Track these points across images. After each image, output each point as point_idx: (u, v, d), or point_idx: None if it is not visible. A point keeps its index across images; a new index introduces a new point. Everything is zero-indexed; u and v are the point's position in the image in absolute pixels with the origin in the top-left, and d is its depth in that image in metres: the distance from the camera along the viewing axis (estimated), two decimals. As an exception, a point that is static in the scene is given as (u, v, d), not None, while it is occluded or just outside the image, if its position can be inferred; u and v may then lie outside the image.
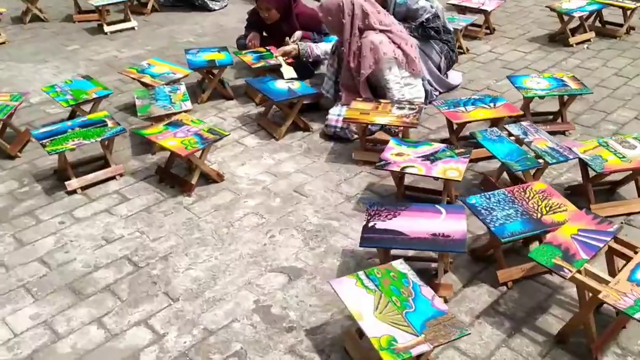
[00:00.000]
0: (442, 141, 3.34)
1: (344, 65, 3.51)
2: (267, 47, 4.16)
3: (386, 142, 3.34)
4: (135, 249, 2.62)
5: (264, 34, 4.48)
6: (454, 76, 4.08)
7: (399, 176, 2.76)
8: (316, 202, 2.93)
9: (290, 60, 3.96)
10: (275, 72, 3.99)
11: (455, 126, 3.21)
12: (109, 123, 3.14)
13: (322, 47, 3.90)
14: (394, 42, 3.38)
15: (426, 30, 3.77)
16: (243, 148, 3.44)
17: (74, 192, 3.02)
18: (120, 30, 5.55)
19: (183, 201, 2.96)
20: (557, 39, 4.87)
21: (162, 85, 3.59)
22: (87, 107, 3.61)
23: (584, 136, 3.44)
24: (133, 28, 5.61)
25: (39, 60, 4.89)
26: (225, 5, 6.27)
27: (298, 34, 4.16)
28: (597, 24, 5.05)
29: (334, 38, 4.34)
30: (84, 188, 3.05)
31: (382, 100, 3.30)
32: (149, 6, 6.05)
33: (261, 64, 3.91)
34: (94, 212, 2.89)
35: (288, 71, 3.84)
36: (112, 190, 3.07)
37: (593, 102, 3.79)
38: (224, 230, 2.74)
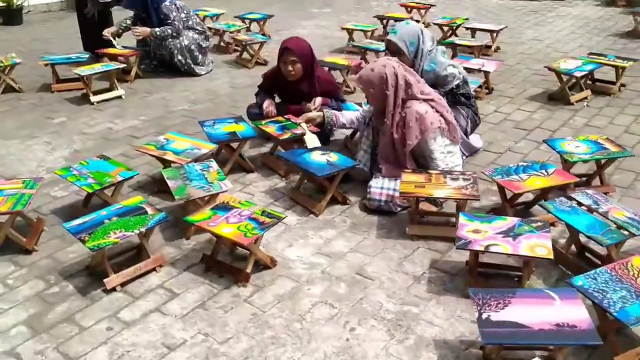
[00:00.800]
0: (491, 210, 3.28)
1: (383, 137, 3.39)
2: (286, 116, 4.02)
3: (432, 213, 3.26)
4: (206, 356, 2.33)
5: (277, 99, 4.34)
6: (474, 139, 4.05)
7: (475, 254, 2.63)
8: (384, 285, 2.74)
9: (313, 129, 3.81)
10: (299, 141, 3.84)
11: (508, 195, 3.13)
12: (149, 210, 2.87)
13: (347, 116, 3.79)
14: (437, 111, 3.31)
15: (456, 97, 3.74)
16: (284, 227, 3.22)
17: (113, 289, 2.71)
18: (107, 100, 5.27)
19: (240, 293, 2.70)
20: (556, 98, 4.98)
21: (191, 162, 3.35)
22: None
23: (625, 198, 3.44)
24: (120, 97, 5.34)
25: (25, 136, 4.53)
26: (211, 70, 6.11)
27: (318, 100, 4.04)
28: (588, 81, 5.21)
29: (352, 106, 4.28)
30: (123, 284, 2.74)
31: (431, 171, 3.20)
32: (133, 73, 5.80)
33: (287, 135, 3.75)
34: (143, 313, 2.58)
35: (312, 140, 3.68)
36: (155, 284, 2.77)
37: (618, 162, 3.83)
38: (296, 325, 2.49)
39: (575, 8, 8.81)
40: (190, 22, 5.85)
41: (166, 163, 3.55)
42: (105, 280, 2.70)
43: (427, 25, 7.79)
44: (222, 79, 5.90)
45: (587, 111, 4.76)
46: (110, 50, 5.83)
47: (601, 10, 8.63)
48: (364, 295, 2.67)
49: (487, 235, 2.58)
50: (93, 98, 5.19)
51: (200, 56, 5.96)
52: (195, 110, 5.03)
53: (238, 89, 5.59)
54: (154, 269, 2.85)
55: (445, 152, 3.34)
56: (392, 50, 3.80)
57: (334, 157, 3.42)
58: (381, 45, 5.92)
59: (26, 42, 7.59)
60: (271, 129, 3.84)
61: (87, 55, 5.72)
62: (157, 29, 5.65)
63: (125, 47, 6.00)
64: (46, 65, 5.50)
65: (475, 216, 2.77)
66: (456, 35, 6.85)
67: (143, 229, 2.73)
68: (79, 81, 5.50)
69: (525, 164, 3.26)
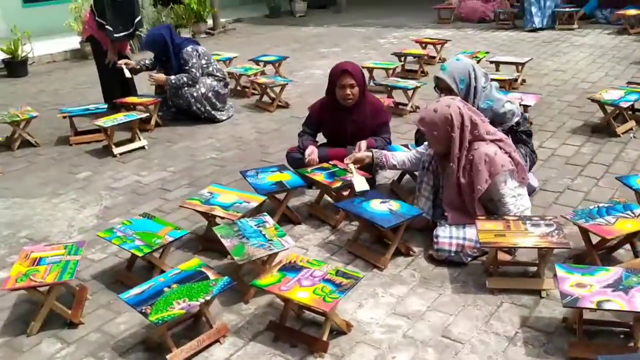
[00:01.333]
0: (571, 258, 3.04)
1: (447, 182, 3.17)
2: (332, 162, 3.79)
3: (508, 263, 3.02)
4: None
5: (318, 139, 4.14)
6: (531, 178, 3.83)
7: (580, 312, 2.37)
8: (477, 349, 2.46)
9: (362, 173, 3.58)
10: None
11: (594, 240, 2.90)
12: (210, 274, 2.60)
13: (399, 157, 3.56)
14: (505, 152, 3.09)
15: (517, 134, 3.53)
16: (350, 285, 2.96)
17: (176, 367, 2.42)
18: (130, 151, 5.04)
19: (318, 365, 2.42)
20: (600, 130, 4.81)
21: (243, 218, 3.10)
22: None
23: None
24: (143, 147, 5.11)
25: (50, 194, 4.27)
26: (232, 115, 5.90)
27: (364, 144, 3.81)
28: (629, 111, 5.04)
29: (398, 147, 4.06)
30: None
31: (508, 218, 2.97)
32: (152, 121, 5.58)
33: (338, 183, 3.51)
34: (215, 394, 2.30)
35: (360, 183, 3.43)
36: (222, 358, 2.49)
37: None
38: (391, 401, 2.22)
39: (587, 37, 8.75)
40: (210, 69, 5.66)
41: (210, 219, 3.31)
42: (167, 356, 2.41)
43: (442, 61, 7.69)
44: (244, 124, 5.69)
45: (636, 143, 4.57)
46: (129, 100, 5.63)
47: (614, 38, 8.56)
48: (458, 361, 2.40)
49: (595, 290, 2.32)
50: (116, 150, 4.96)
51: (218, 103, 5.74)
52: (224, 159, 4.80)
53: (264, 133, 5.38)
54: (217, 340, 2.57)
55: (516, 195, 3.11)
56: (442, 87, 3.61)
57: (395, 205, 3.19)
58: (408, 84, 5.77)
59: (34, 94, 7.38)
60: (319, 176, 3.60)
61: (105, 106, 5.50)
62: (172, 77, 5.45)
63: (143, 96, 5.81)
64: (64, 117, 5.28)
65: (573, 267, 2.52)
66: (477, 70, 6.72)
67: (208, 297, 2.45)
68: (98, 133, 5.30)
69: (606, 205, 3.02)
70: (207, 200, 3.34)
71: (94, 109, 5.40)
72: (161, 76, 5.48)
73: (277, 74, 7.12)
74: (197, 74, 5.49)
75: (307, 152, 3.91)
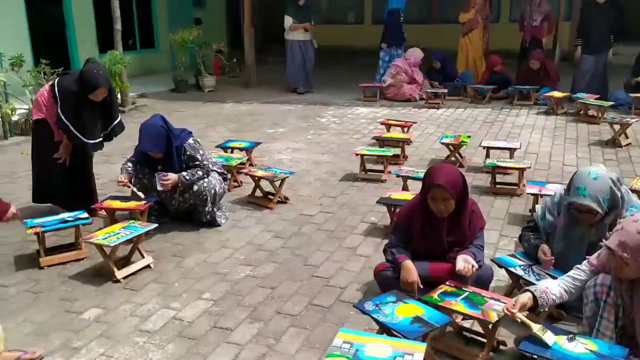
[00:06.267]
0: None
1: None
2: (449, 283, 3.18)
3: None
4: None
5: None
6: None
7: None
8: None
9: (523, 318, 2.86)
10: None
11: None
12: None
13: (555, 290, 2.90)
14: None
15: None
16: None
17: None
18: (133, 273, 3.98)
19: None
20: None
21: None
22: None
23: None
24: (149, 266, 4.08)
25: (62, 348, 3.11)
26: (228, 217, 5.02)
27: (463, 262, 3.20)
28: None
29: (507, 258, 3.56)
30: None
31: None
32: (142, 230, 4.52)
33: (493, 315, 2.86)
34: None
35: (549, 335, 2.70)
36: None
37: None
38: None
39: (521, 118, 8.93)
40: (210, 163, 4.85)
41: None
42: None
43: (409, 144, 7.43)
44: (252, 227, 4.84)
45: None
46: (113, 204, 4.55)
47: (547, 119, 8.83)
48: None
49: None
50: (119, 274, 3.87)
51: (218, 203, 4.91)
52: (267, 278, 3.91)
53: (286, 239, 4.58)
54: None
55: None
56: (583, 212, 3.19)
57: (591, 344, 2.65)
58: (418, 173, 5.34)
59: None
60: (460, 307, 2.97)
61: (87, 216, 4.32)
62: (185, 174, 4.55)
63: (124, 199, 4.71)
64: (36, 233, 4.06)
65: None
66: (460, 156, 6.54)
67: None
68: (72, 249, 4.21)
69: None
70: (355, 355, 2.54)
71: (73, 219, 4.25)
72: (174, 176, 4.51)
73: (249, 161, 6.37)
74: (210, 166, 4.70)
75: (408, 277, 3.25)
